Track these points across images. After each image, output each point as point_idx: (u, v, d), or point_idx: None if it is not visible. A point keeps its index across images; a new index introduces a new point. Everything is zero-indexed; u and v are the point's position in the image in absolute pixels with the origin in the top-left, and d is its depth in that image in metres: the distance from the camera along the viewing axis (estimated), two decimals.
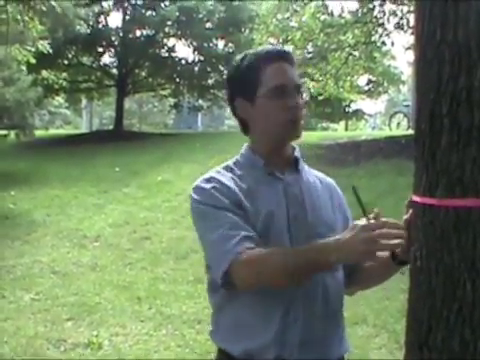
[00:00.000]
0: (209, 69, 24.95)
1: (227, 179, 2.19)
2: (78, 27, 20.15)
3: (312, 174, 2.36)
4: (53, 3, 13.59)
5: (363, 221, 1.89)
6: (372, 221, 1.88)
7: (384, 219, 1.90)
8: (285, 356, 2.12)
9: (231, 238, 2.04)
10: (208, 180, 2.20)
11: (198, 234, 2.23)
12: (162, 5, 23.20)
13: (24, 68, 14.72)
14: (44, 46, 14.01)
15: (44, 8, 13.28)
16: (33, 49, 13.90)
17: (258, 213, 2.13)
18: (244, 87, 2.21)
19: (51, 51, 15.11)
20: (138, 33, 24.45)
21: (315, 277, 2.11)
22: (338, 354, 2.26)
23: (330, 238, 1.94)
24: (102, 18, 24.04)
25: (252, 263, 2.01)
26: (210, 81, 25.75)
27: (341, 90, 18.59)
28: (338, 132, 27.73)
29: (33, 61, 14.02)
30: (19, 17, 12.77)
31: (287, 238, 2.14)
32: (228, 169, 2.26)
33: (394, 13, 16.19)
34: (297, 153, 2.30)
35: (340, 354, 2.28)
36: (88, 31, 21.84)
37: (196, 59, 25.22)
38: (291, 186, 2.21)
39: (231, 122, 58.63)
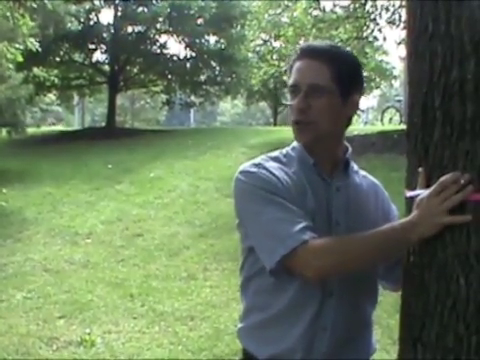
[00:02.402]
0: (201, 65, 24.92)
1: (276, 169, 2.09)
2: (69, 24, 20.05)
3: (360, 175, 2.27)
4: (44, 0, 13.54)
5: (425, 193, 1.83)
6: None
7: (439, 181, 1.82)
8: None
9: (292, 224, 1.96)
10: (257, 165, 2.09)
11: (244, 217, 2.11)
12: (153, 1, 23.15)
13: (11, 66, 14.63)
14: (33, 44, 13.94)
15: (34, 5, 13.21)
16: (22, 47, 13.83)
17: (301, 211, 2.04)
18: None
19: (41, 48, 15.05)
20: (130, 29, 24.39)
21: (339, 280, 2.06)
22: (366, 354, 2.23)
23: (399, 220, 1.92)
24: (93, 15, 23.95)
25: (331, 251, 1.94)
26: (202, 77, 25.73)
27: None
28: None
29: (21, 60, 13.94)
30: (9, 14, 12.69)
31: None
32: (277, 160, 2.15)
33: (386, 8, 16.20)
34: (348, 155, 2.20)
35: (368, 354, 2.25)
36: (79, 28, 21.74)
37: (188, 55, 25.19)
38: (338, 191, 2.13)
39: (223, 118, 58.71)
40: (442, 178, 1.77)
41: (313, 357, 2.07)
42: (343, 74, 2.06)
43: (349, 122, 2.16)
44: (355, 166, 2.26)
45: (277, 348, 2.08)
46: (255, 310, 2.16)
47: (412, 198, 1.86)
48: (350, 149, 2.22)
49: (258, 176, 2.05)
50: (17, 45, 13.67)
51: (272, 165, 2.10)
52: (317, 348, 2.07)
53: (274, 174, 2.06)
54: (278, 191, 2.02)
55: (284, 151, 2.20)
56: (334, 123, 2.09)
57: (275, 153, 2.20)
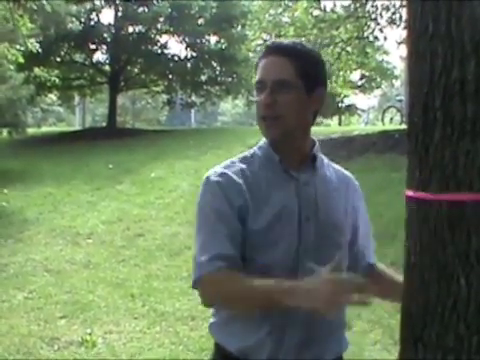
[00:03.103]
0: (202, 65, 24.96)
1: (238, 175, 2.14)
2: (70, 24, 20.08)
3: (331, 169, 2.28)
4: (43, 1, 13.54)
5: (327, 271, 1.86)
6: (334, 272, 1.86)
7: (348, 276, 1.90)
8: (280, 356, 2.10)
9: (209, 252, 2.06)
10: (220, 175, 2.15)
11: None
12: (154, 1, 23.18)
13: (12, 67, 14.64)
14: (33, 45, 13.94)
15: (35, 6, 13.22)
16: (23, 48, 13.84)
17: (265, 212, 2.09)
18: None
19: (42, 49, 15.07)
20: (130, 30, 24.43)
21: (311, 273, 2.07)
22: (336, 353, 2.24)
23: (299, 281, 1.91)
24: (94, 15, 24.00)
25: (218, 291, 2.06)
26: (203, 77, 25.76)
27: (334, 85, 18.58)
28: (331, 127, 27.74)
29: (22, 60, 13.95)
30: (9, 15, 12.70)
31: (296, 239, 2.10)
32: (244, 160, 2.20)
33: (387, 8, 16.19)
34: (315, 149, 2.22)
35: (339, 353, 2.26)
36: (80, 28, 21.76)
37: (189, 55, 25.23)
38: (306, 186, 2.15)
39: (224, 118, 58.74)
40: (345, 276, 1.87)
41: (282, 351, 2.10)
42: (307, 70, 2.11)
43: (315, 118, 2.22)
44: (325, 160, 2.29)
45: (247, 341, 2.12)
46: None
47: (413, 198, 1.86)
48: (317, 143, 2.25)
49: (212, 190, 2.13)
50: (18, 46, 13.68)
51: (237, 169, 2.15)
52: (287, 344, 2.10)
53: (235, 183, 2.11)
54: (223, 211, 2.08)
55: (252, 151, 2.25)
56: (300, 118, 2.14)
57: (244, 153, 2.25)
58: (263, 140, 2.23)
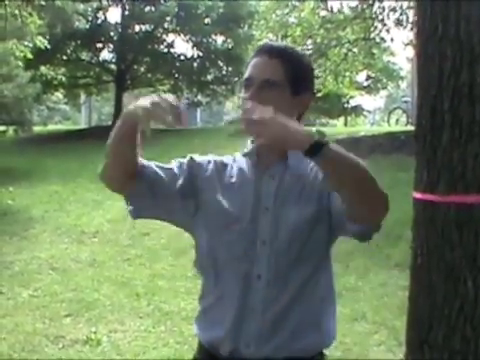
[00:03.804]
0: (208, 65, 24.95)
1: (211, 164, 2.28)
2: (77, 23, 20.14)
3: (307, 163, 2.21)
4: None
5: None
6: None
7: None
8: (241, 348, 2.11)
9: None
10: (190, 157, 2.30)
11: None
12: (161, 0, 23.16)
13: (21, 64, 14.66)
14: (42, 42, 13.95)
15: (43, 3, 13.22)
16: (31, 45, 13.85)
17: (227, 197, 2.18)
18: None
19: (49, 47, 15.08)
20: (137, 28, 24.43)
21: (269, 264, 2.11)
22: (310, 347, 2.18)
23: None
24: (101, 13, 24.02)
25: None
26: (209, 77, 25.74)
27: (340, 86, 18.56)
28: (337, 128, 27.69)
29: (30, 56, 13.96)
30: (17, 12, 12.71)
31: (254, 227, 2.13)
32: (231, 159, 2.31)
33: (393, 9, 16.15)
34: None
35: (312, 347, 2.19)
36: (87, 26, 21.82)
37: (195, 55, 25.22)
38: (272, 179, 2.19)
39: (230, 118, 58.62)
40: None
41: (242, 342, 2.11)
42: (296, 73, 2.15)
43: (299, 120, 2.20)
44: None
45: (218, 332, 2.15)
46: (200, 299, 2.29)
47: (420, 200, 1.86)
48: None
49: (185, 158, 2.30)
50: (26, 43, 13.69)
51: (215, 160, 2.30)
52: (246, 330, 2.11)
53: (201, 165, 2.27)
54: (177, 165, 2.26)
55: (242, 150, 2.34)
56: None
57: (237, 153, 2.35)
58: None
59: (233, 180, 2.23)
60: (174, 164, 2.26)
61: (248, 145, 2.29)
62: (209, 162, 2.28)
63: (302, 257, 2.14)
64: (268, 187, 2.18)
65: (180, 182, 2.21)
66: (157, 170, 2.21)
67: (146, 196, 2.19)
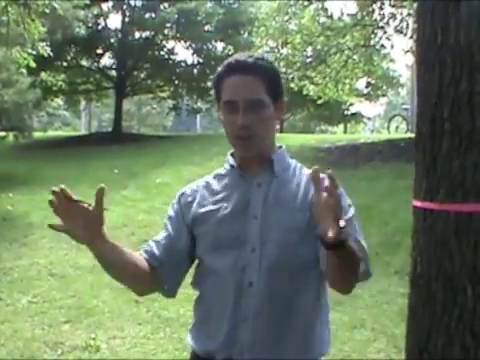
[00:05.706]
0: (208, 71, 24.95)
1: (198, 189, 2.33)
2: (77, 29, 20.13)
3: (298, 172, 2.27)
4: (55, 4, 13.51)
5: None
6: None
7: None
8: (234, 357, 2.13)
9: (147, 244, 2.51)
10: (181, 193, 2.38)
11: None
12: (161, 7, 23.21)
13: (24, 70, 14.67)
14: (44, 49, 13.95)
15: (47, 10, 13.20)
16: (34, 52, 13.84)
17: (218, 214, 2.21)
18: (215, 94, 2.26)
19: (50, 53, 15.08)
20: (137, 35, 24.48)
21: (259, 271, 2.13)
22: (305, 355, 2.18)
23: None
24: (101, 20, 24.06)
25: None
26: (209, 83, 25.75)
27: (340, 93, 18.58)
28: (337, 135, 27.74)
29: (33, 65, 13.96)
30: (20, 19, 12.70)
31: (244, 236, 2.15)
32: (216, 176, 2.34)
33: (393, 16, 16.20)
34: (275, 155, 2.25)
35: (307, 355, 2.19)
36: (87, 33, 21.82)
37: (195, 61, 25.28)
38: (259, 187, 2.20)
39: None
40: None
41: (236, 351, 2.13)
42: (272, 84, 2.19)
43: (281, 125, 2.28)
44: (293, 164, 2.31)
45: (213, 343, 2.19)
46: (194, 310, 2.41)
47: (420, 208, 1.86)
48: (282, 149, 2.32)
49: (173, 203, 2.41)
50: (29, 51, 13.69)
51: (200, 184, 2.35)
52: (239, 339, 2.13)
53: (186, 197, 2.34)
54: (170, 216, 2.41)
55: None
56: (271, 132, 2.24)
57: (220, 169, 2.38)
58: (230, 151, 2.33)
59: (221, 194, 2.26)
60: (168, 223, 2.41)
61: (229, 158, 2.32)
62: (197, 186, 2.34)
63: (293, 264, 2.15)
64: (256, 195, 2.20)
65: (184, 237, 2.34)
66: (162, 250, 2.39)
67: (173, 277, 2.47)
